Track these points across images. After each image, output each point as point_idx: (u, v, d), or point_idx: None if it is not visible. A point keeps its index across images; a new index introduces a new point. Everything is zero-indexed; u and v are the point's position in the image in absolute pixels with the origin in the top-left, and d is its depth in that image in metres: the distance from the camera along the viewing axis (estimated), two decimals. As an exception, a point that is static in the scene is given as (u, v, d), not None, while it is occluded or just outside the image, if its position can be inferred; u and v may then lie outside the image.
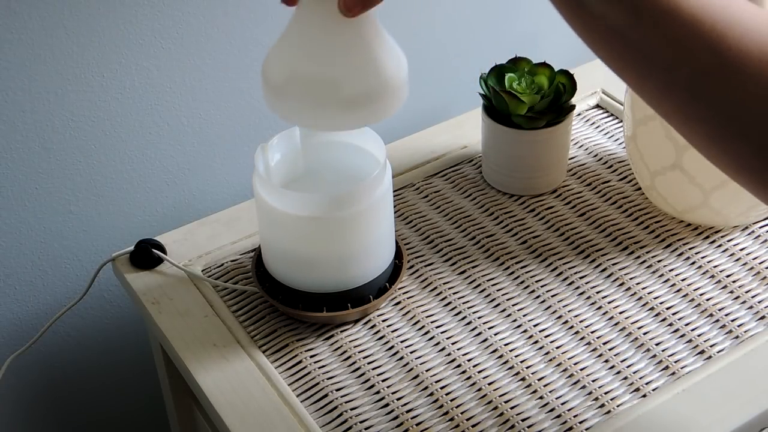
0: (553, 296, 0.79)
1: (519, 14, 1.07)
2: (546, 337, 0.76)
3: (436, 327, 0.77)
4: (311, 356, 0.75)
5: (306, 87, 0.65)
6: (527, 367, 0.73)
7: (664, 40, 0.55)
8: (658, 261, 0.82)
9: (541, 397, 0.71)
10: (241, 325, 0.77)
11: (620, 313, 0.77)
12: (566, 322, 0.77)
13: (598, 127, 0.98)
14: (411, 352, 0.75)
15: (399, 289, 0.80)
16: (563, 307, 0.78)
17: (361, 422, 0.70)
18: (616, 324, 0.77)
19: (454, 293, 0.80)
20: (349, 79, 0.64)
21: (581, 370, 0.73)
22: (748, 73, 0.53)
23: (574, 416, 0.70)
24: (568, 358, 0.74)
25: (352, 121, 0.66)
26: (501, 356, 0.74)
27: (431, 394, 0.72)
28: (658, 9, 0.55)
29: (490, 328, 0.77)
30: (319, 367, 0.74)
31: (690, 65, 0.55)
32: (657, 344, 0.75)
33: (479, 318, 0.78)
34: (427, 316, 0.78)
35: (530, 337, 0.76)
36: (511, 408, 0.70)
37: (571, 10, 0.57)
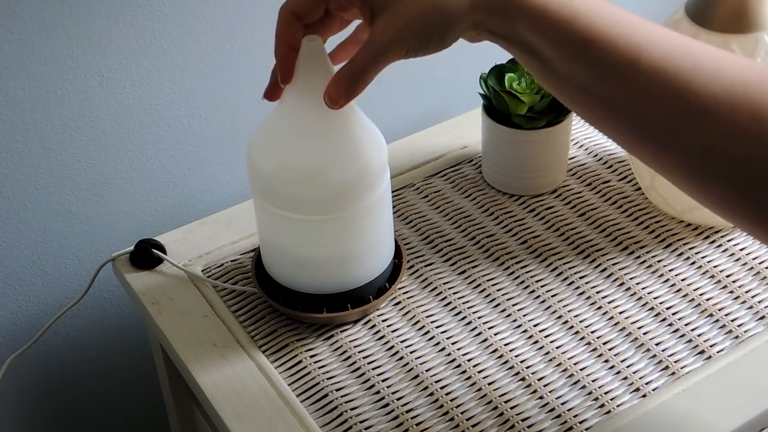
0: (553, 296, 0.79)
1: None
2: (546, 337, 0.76)
3: (436, 327, 0.77)
4: (311, 356, 0.75)
5: (294, 179, 0.69)
6: (527, 367, 0.73)
7: (632, 93, 0.56)
8: (658, 261, 0.82)
9: (541, 397, 0.71)
10: (241, 325, 0.77)
11: (620, 313, 0.77)
12: (566, 322, 0.77)
13: (598, 127, 0.98)
14: (411, 352, 0.75)
15: (399, 289, 0.80)
16: (563, 307, 0.78)
17: (361, 422, 0.70)
18: (616, 324, 0.77)
19: (454, 293, 0.80)
20: (336, 169, 0.69)
21: (581, 370, 0.73)
22: (717, 116, 0.54)
23: (574, 416, 0.70)
24: (568, 358, 0.74)
25: (338, 207, 0.70)
26: (501, 356, 0.74)
27: (431, 394, 0.72)
28: (621, 64, 0.56)
29: (490, 328, 0.77)
30: (319, 367, 0.74)
31: (659, 114, 0.55)
32: (657, 344, 0.75)
33: (479, 318, 0.78)
34: (427, 316, 0.78)
35: (530, 337, 0.76)
36: (511, 408, 0.70)
37: (539, 71, 0.59)
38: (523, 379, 0.72)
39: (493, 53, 0.98)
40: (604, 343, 0.75)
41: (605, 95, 0.57)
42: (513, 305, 0.79)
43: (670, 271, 0.81)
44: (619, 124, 0.58)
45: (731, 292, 0.79)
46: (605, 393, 0.71)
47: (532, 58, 0.59)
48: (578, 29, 0.56)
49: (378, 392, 0.72)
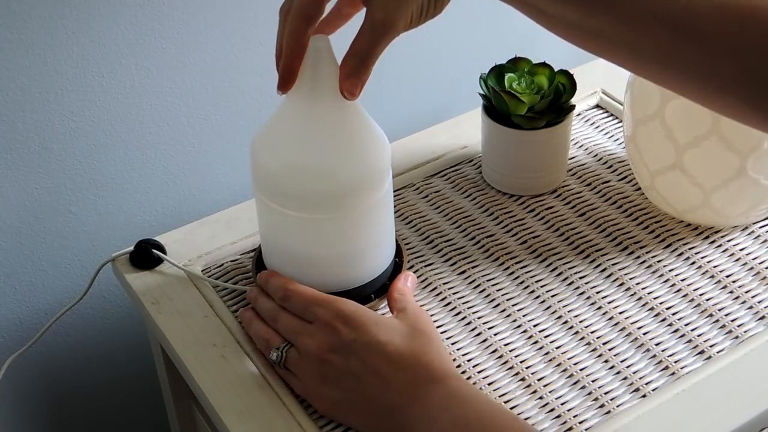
0: (553, 296, 0.79)
1: (519, 14, 1.07)
2: (546, 337, 0.76)
3: (436, 327, 0.77)
4: (311, 356, 0.75)
5: (298, 177, 0.69)
6: (527, 368, 0.73)
7: (620, 23, 0.56)
8: (658, 261, 0.82)
9: (541, 397, 0.71)
10: (241, 325, 0.77)
11: (620, 313, 0.77)
12: (566, 322, 0.77)
13: (598, 127, 0.98)
14: (411, 352, 0.75)
15: (399, 289, 0.80)
16: (563, 307, 0.78)
17: (361, 422, 0.70)
18: (616, 324, 0.77)
19: (454, 293, 0.80)
20: (340, 168, 0.69)
21: (581, 370, 0.73)
22: (708, 32, 0.54)
23: (574, 416, 0.70)
24: (568, 358, 0.74)
25: (341, 206, 0.70)
26: (501, 356, 0.74)
27: (431, 394, 0.72)
28: None
29: (490, 328, 0.77)
30: (319, 367, 0.74)
31: (651, 38, 0.56)
32: (657, 344, 0.75)
33: (479, 318, 0.78)
34: (427, 316, 0.78)
35: (530, 337, 0.76)
36: (511, 408, 0.70)
37: (532, 16, 0.61)
38: (523, 380, 0.72)
39: (493, 53, 0.99)
40: (604, 343, 0.75)
41: (595, 28, 0.57)
42: (513, 305, 0.79)
43: (670, 271, 0.81)
44: (615, 52, 0.58)
45: (731, 292, 0.79)
46: (605, 393, 0.71)
47: (520, 5, 0.60)
48: None
49: (378, 392, 0.72)
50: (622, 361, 0.74)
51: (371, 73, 0.63)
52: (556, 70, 0.87)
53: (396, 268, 0.79)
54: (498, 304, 0.79)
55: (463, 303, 0.79)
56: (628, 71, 0.61)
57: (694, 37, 0.54)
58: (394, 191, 0.89)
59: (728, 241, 0.84)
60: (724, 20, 0.53)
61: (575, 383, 0.72)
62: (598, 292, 0.79)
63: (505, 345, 0.75)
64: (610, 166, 0.92)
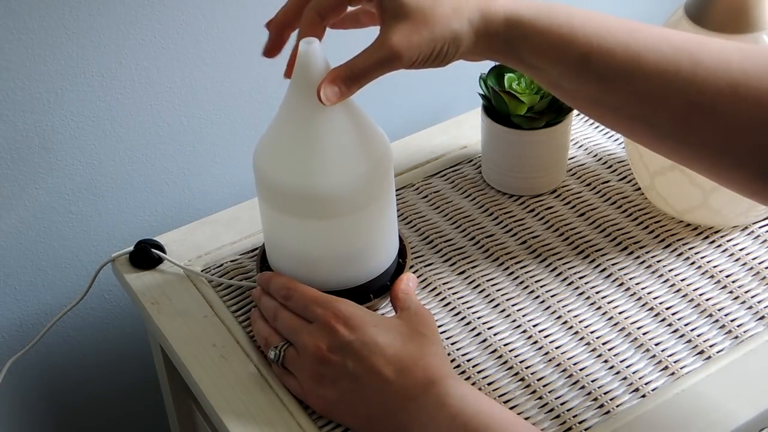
0: (552, 296, 0.79)
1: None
2: (545, 337, 0.76)
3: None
4: (311, 356, 0.75)
5: (300, 185, 0.69)
6: (527, 368, 0.73)
7: (637, 98, 0.57)
8: (658, 261, 0.82)
9: (540, 398, 0.71)
10: (241, 325, 0.77)
11: (620, 313, 0.77)
12: (566, 322, 0.77)
13: (597, 127, 0.98)
14: (410, 352, 0.75)
15: (399, 289, 0.80)
16: (563, 307, 0.78)
17: (361, 422, 0.70)
18: (615, 324, 0.77)
19: (453, 294, 0.80)
20: (342, 173, 0.69)
21: (581, 370, 0.73)
22: (723, 110, 0.55)
23: (574, 416, 0.70)
24: (568, 359, 0.74)
25: (345, 210, 0.70)
26: (500, 356, 0.74)
27: (431, 394, 0.72)
28: (622, 72, 0.57)
29: (489, 329, 0.77)
30: (319, 367, 0.74)
31: (667, 114, 0.57)
32: (656, 344, 0.75)
33: (479, 318, 0.78)
34: (426, 316, 0.78)
35: (529, 337, 0.76)
36: (511, 408, 0.70)
37: (548, 87, 0.62)
38: (522, 380, 0.72)
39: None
40: (604, 344, 0.75)
41: (613, 103, 0.58)
42: (512, 305, 0.79)
43: (669, 271, 0.81)
44: (632, 127, 0.59)
45: (731, 292, 0.79)
46: (605, 393, 0.71)
47: (539, 76, 0.61)
48: (577, 45, 0.57)
49: (377, 392, 0.72)
50: (621, 361, 0.74)
51: (356, 92, 0.62)
52: (555, 70, 0.87)
53: (399, 268, 0.79)
54: (498, 304, 0.79)
55: (463, 303, 0.79)
56: (645, 147, 0.62)
57: (708, 113, 0.55)
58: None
59: (728, 241, 0.84)
60: (738, 98, 0.54)
61: (575, 383, 0.72)
62: (597, 292, 0.79)
63: (505, 345, 0.75)
64: (610, 166, 0.92)
